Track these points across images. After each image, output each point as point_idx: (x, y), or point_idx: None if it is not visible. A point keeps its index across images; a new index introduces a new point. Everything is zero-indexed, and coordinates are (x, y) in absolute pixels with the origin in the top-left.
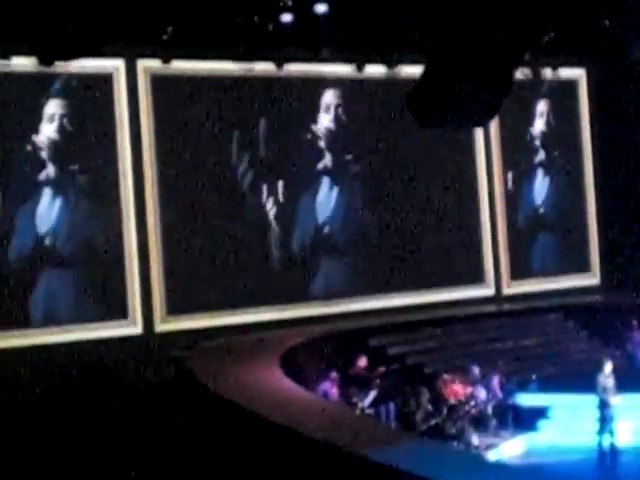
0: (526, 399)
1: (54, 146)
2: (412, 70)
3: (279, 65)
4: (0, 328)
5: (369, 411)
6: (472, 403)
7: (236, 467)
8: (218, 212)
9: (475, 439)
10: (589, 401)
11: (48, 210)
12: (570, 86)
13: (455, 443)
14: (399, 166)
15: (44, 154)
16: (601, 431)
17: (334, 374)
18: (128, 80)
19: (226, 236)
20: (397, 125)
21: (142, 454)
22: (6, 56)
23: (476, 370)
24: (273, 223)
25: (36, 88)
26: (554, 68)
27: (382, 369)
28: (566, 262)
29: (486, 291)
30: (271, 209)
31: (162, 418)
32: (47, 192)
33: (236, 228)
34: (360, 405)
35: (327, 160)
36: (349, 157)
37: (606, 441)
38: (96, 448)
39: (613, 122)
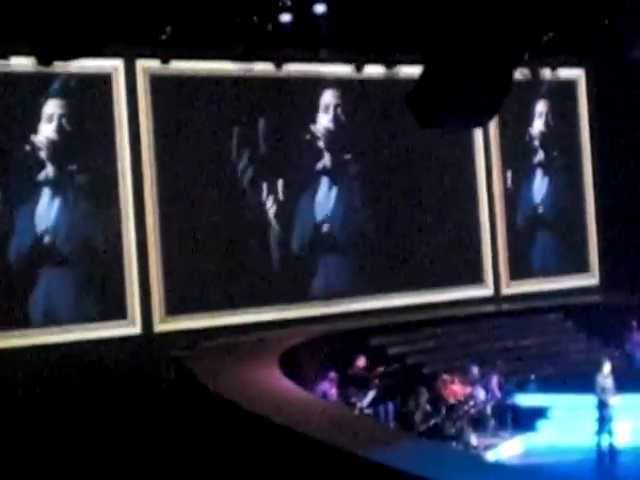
0: (525, 399)
1: (53, 146)
2: (411, 70)
3: (278, 65)
4: (0, 328)
5: (368, 411)
6: (471, 403)
7: (236, 467)
8: (217, 212)
9: (474, 439)
10: (588, 401)
11: (47, 210)
12: (569, 86)
13: (454, 443)
14: (398, 166)
15: (43, 154)
16: (600, 431)
17: (333, 374)
18: (127, 80)
19: (226, 236)
20: (396, 125)
21: (142, 454)
22: (5, 56)
23: (475, 370)
24: (273, 221)
25: (35, 88)
26: (553, 68)
27: (381, 369)
28: (565, 262)
29: (485, 291)
30: (271, 207)
31: (162, 418)
32: (46, 192)
33: (235, 228)
34: (359, 405)
35: (326, 160)
36: (348, 157)
37: (605, 441)
38: (96, 448)
39: (612, 122)
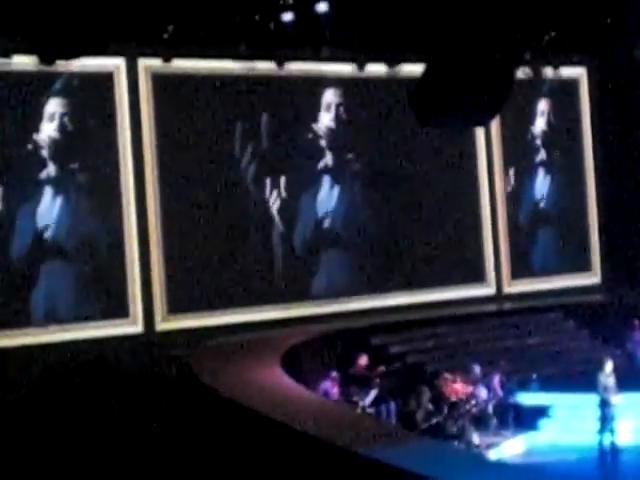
0: (527, 398)
1: (55, 145)
2: (413, 69)
3: (280, 64)
4: (1, 327)
5: (370, 410)
6: (473, 402)
7: (237, 466)
8: (219, 211)
9: (476, 438)
10: (590, 400)
11: (49, 209)
12: (571, 85)
13: (456, 442)
14: (400, 165)
15: (45, 153)
16: (602, 430)
17: (335, 373)
18: (129, 79)
19: (228, 235)
20: (398, 124)
21: (144, 453)
22: (7, 55)
23: (477, 369)
24: (276, 219)
25: (37, 87)
26: (555, 67)
27: (383, 368)
28: (567, 261)
29: (487, 290)
30: (273, 205)
31: (164, 417)
32: (48, 191)
33: (237, 227)
34: (361, 404)
35: (328, 159)
36: (350, 156)
37: (607, 440)
38: (97, 447)
39: (614, 121)
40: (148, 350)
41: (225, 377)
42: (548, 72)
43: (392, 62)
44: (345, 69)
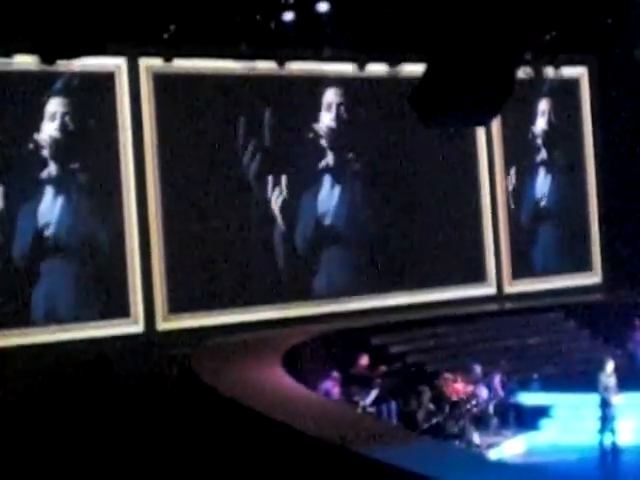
0: (528, 398)
1: (56, 144)
2: (414, 69)
3: (281, 64)
4: (1, 326)
5: (370, 410)
6: (474, 402)
7: (238, 465)
8: (220, 210)
9: (476, 438)
10: (591, 400)
11: (50, 208)
12: (572, 85)
13: (456, 442)
14: (401, 165)
15: (46, 152)
16: (602, 430)
17: (336, 373)
18: (130, 79)
19: (229, 234)
20: (399, 124)
21: (144, 453)
22: (8, 54)
23: (478, 369)
24: (278, 218)
25: (38, 86)
26: (556, 67)
27: (383, 368)
28: (568, 261)
29: (488, 290)
30: (275, 203)
31: (164, 417)
32: (49, 190)
33: (239, 226)
34: (362, 404)
35: (329, 158)
36: (351, 156)
37: (607, 440)
38: (97, 447)
39: (615, 121)
40: (149, 350)
41: (226, 377)
42: (549, 72)
43: (393, 62)
44: (346, 69)
